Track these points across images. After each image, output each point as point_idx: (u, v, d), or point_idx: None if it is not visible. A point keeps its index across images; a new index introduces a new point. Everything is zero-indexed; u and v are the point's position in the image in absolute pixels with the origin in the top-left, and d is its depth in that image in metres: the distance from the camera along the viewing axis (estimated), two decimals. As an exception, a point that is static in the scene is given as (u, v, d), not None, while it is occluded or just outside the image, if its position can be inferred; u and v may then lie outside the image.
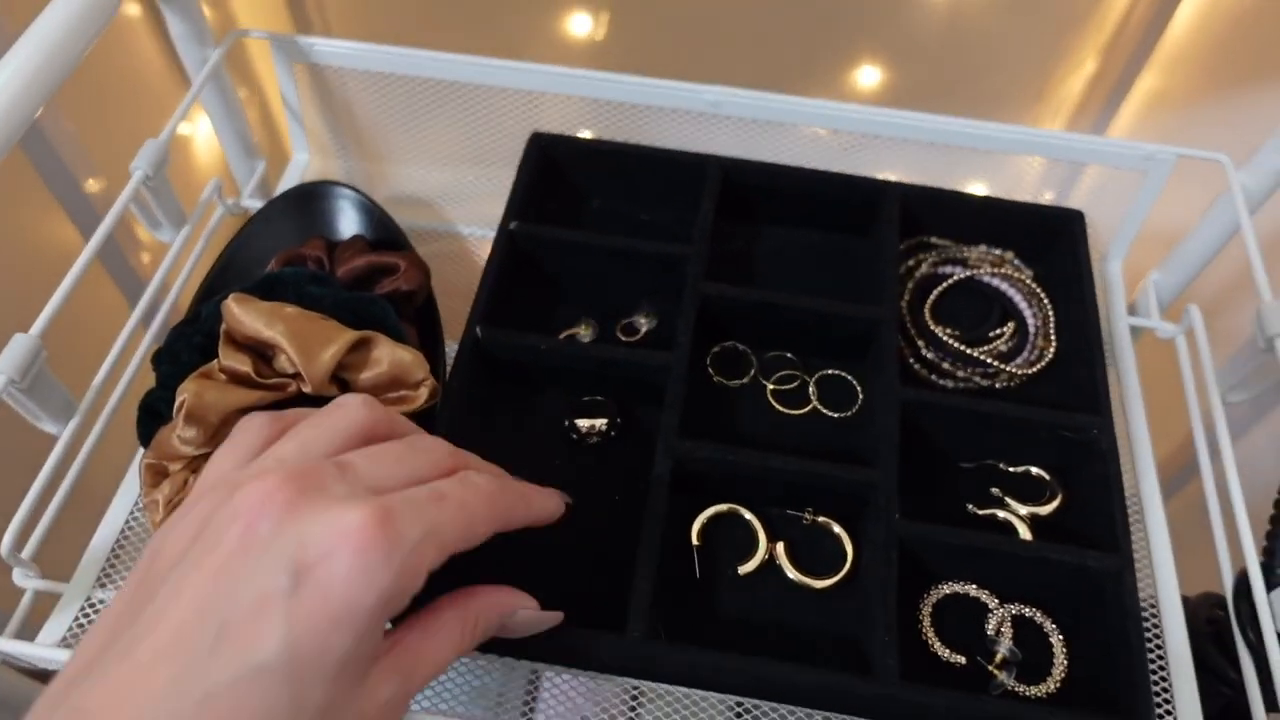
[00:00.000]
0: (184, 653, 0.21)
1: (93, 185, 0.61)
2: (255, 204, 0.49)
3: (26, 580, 0.36)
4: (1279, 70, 0.62)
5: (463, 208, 0.52)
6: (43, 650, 0.33)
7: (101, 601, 0.36)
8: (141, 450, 0.36)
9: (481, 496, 0.26)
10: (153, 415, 0.35)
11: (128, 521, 0.38)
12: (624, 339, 0.42)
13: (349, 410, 0.26)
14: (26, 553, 0.35)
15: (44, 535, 0.36)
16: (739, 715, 0.34)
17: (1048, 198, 0.50)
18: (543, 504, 0.29)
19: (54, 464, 0.36)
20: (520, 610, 0.28)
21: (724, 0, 0.74)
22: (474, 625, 0.27)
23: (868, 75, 0.79)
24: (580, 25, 0.73)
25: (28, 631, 0.35)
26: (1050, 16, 0.73)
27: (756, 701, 0.33)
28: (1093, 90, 0.78)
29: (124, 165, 0.42)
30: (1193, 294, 0.49)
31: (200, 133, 0.70)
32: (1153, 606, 0.38)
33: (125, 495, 0.39)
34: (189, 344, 0.35)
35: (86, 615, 0.36)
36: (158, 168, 0.42)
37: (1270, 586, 0.36)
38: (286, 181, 0.53)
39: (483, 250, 0.51)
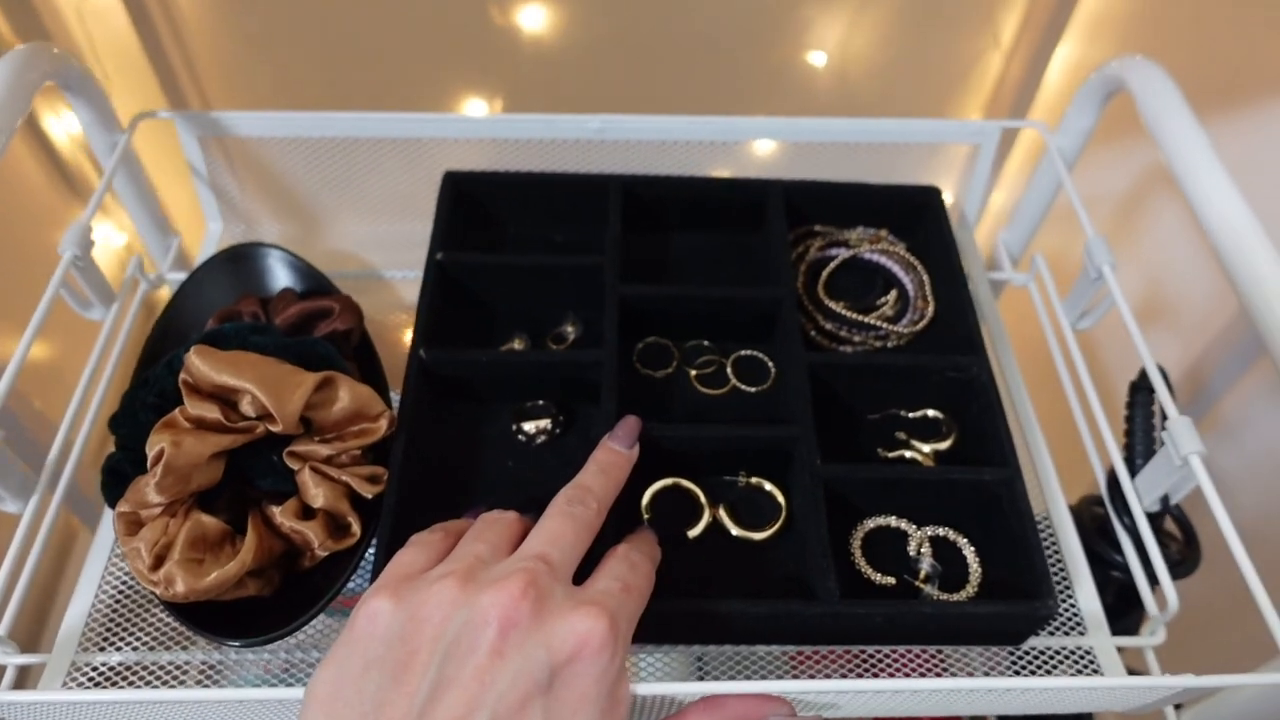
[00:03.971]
0: None
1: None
2: (175, 277, 0.50)
3: (6, 657, 0.36)
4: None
5: (385, 254, 0.55)
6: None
7: (89, 665, 0.37)
8: (110, 511, 0.37)
9: (643, 576, 0.32)
10: (117, 476, 0.36)
11: (100, 585, 0.39)
12: (555, 348, 0.46)
13: (503, 518, 0.33)
14: (2, 630, 0.36)
15: (17, 612, 0.37)
16: (701, 667, 0.38)
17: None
18: (655, 551, 0.35)
19: (19, 543, 0.37)
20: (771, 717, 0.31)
21: (627, 74, 0.77)
22: None
23: (764, 143, 0.84)
24: (476, 110, 0.76)
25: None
26: (931, 76, 0.79)
27: (718, 648, 0.37)
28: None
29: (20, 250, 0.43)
30: (1050, 241, 0.56)
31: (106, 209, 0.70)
32: (1046, 519, 0.44)
33: (95, 563, 0.40)
34: (144, 405, 0.37)
35: (74, 680, 0.36)
36: (85, 248, 0.44)
37: (1133, 473, 0.42)
38: (204, 252, 0.54)
39: (406, 289, 0.54)
